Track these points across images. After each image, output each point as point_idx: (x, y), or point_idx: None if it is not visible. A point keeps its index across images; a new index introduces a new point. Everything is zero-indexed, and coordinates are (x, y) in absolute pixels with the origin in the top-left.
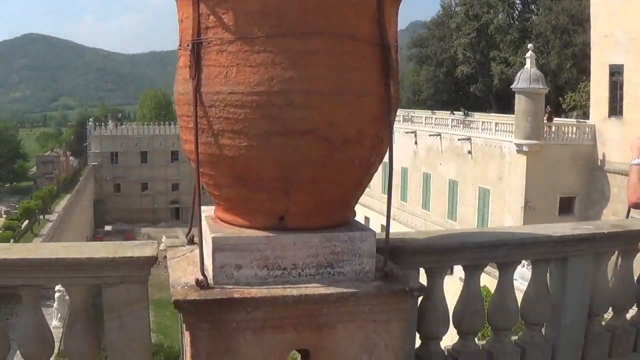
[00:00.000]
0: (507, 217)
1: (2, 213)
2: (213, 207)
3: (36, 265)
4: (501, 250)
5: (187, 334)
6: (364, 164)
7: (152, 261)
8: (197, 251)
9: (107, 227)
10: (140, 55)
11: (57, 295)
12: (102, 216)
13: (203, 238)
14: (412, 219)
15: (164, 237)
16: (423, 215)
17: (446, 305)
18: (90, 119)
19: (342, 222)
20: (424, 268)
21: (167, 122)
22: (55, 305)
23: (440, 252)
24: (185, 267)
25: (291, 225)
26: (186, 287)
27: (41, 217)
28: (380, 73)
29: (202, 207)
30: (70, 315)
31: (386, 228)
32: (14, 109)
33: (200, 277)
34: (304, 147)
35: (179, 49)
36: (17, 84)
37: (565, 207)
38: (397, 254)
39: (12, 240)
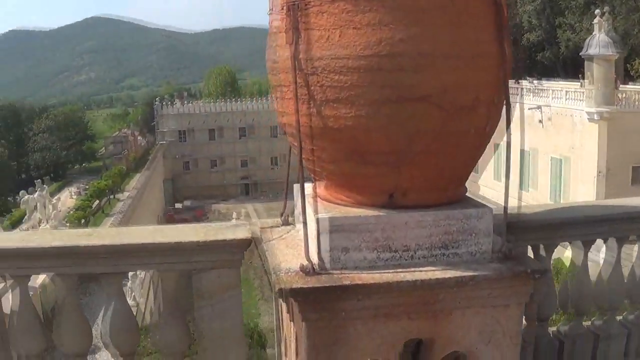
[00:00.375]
0: (581, 187)
1: (73, 194)
2: (310, 185)
3: (120, 251)
4: (611, 224)
5: (291, 325)
6: (480, 133)
7: (245, 244)
8: (293, 232)
9: (178, 205)
10: (203, 33)
11: (130, 274)
12: (173, 194)
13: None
14: (486, 191)
15: (234, 213)
16: (497, 187)
17: (554, 285)
18: (157, 98)
19: (456, 199)
20: (531, 245)
21: (234, 99)
22: (129, 284)
23: (550, 228)
24: (284, 250)
25: (401, 203)
26: (290, 274)
27: (112, 196)
28: (495, 32)
29: (296, 185)
30: (159, 303)
31: (504, 203)
32: (80, 92)
33: (306, 262)
34: (417, 116)
35: (270, 13)
36: (82, 67)
37: (638, 176)
38: (508, 232)
39: (83, 221)
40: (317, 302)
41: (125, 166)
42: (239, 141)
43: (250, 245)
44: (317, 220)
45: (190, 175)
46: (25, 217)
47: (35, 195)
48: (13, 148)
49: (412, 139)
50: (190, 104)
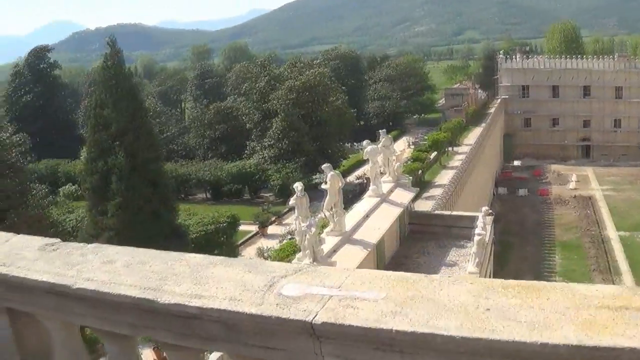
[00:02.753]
0: None
1: (410, 144)
2: None
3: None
4: None
5: None
6: None
7: None
8: None
9: (516, 162)
10: None
11: (477, 238)
12: (510, 151)
13: None
14: None
15: (574, 175)
16: None
17: None
18: (501, 52)
19: None
20: None
21: (577, 56)
22: (473, 249)
23: None
24: None
25: None
26: None
27: (449, 149)
28: None
29: None
30: None
31: None
32: (419, 42)
33: None
34: None
35: None
36: (421, 18)
37: None
38: None
39: (420, 172)
40: None
41: (463, 119)
42: (582, 100)
43: None
44: None
45: (530, 132)
46: (369, 166)
47: (380, 145)
48: (352, 95)
49: None
50: (534, 59)
